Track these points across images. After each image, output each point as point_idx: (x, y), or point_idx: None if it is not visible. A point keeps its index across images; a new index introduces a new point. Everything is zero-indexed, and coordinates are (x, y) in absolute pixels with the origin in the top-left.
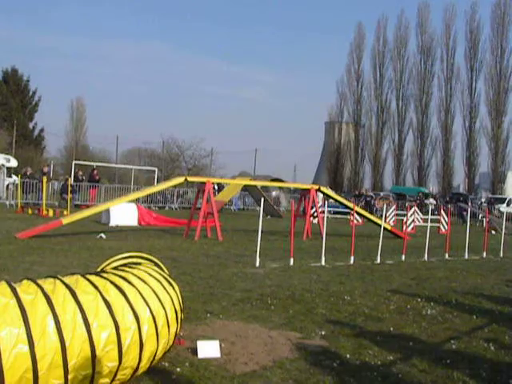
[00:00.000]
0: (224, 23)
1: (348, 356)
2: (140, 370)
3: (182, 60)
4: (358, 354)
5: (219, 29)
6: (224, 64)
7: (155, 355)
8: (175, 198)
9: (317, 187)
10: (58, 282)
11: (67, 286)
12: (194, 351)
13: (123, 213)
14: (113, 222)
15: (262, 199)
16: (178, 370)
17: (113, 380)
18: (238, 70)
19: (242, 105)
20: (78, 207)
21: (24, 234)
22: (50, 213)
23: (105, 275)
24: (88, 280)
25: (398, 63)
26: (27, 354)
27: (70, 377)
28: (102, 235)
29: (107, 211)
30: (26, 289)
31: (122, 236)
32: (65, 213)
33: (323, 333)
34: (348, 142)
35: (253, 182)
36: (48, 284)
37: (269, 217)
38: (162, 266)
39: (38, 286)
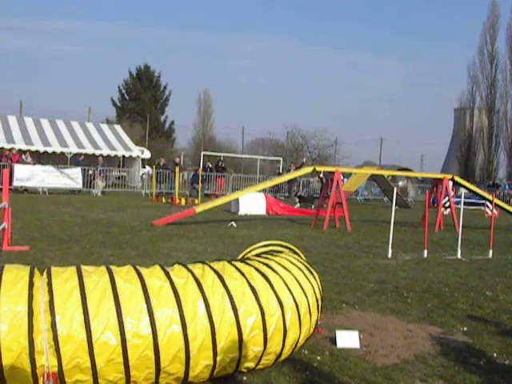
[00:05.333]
0: (347, 15)
1: (495, 355)
2: (282, 356)
3: (305, 52)
4: (507, 354)
5: (339, 21)
6: (344, 54)
7: (297, 342)
8: (301, 187)
9: (450, 177)
10: (206, 267)
11: (215, 271)
12: (333, 341)
13: (252, 202)
14: (242, 211)
15: (395, 189)
16: (318, 358)
17: (257, 364)
18: (361, 59)
19: (366, 94)
20: (207, 196)
21: (160, 222)
22: (183, 201)
23: (249, 262)
24: (234, 266)
25: None
26: (180, 335)
27: (218, 359)
28: (233, 224)
29: (236, 200)
30: (178, 273)
31: (251, 225)
32: (196, 202)
33: (465, 329)
34: (480, 129)
35: (380, 172)
36: (197, 269)
37: (396, 207)
38: (300, 254)
39: (189, 270)
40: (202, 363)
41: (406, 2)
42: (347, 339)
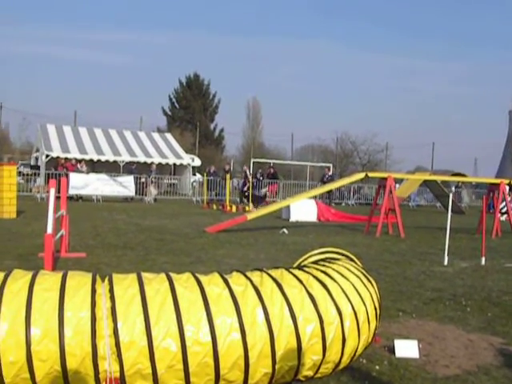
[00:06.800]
0: (393, 19)
1: None
2: (341, 365)
3: (354, 56)
4: None
5: (386, 25)
6: (393, 57)
7: (356, 351)
8: (351, 193)
9: (507, 181)
10: (264, 274)
11: (274, 278)
12: (391, 350)
13: (303, 209)
14: (293, 218)
15: (451, 195)
16: (377, 367)
17: (315, 373)
18: (411, 63)
19: (416, 97)
20: (257, 203)
21: (212, 229)
22: (233, 208)
23: (307, 269)
24: (292, 274)
25: None
26: (239, 342)
27: (277, 367)
28: (285, 230)
29: (287, 207)
30: (237, 280)
31: (302, 232)
32: (246, 208)
33: None
34: None
35: (433, 177)
36: (256, 276)
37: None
38: (357, 261)
39: (247, 278)
40: (261, 371)
41: (452, 5)
42: (406, 348)
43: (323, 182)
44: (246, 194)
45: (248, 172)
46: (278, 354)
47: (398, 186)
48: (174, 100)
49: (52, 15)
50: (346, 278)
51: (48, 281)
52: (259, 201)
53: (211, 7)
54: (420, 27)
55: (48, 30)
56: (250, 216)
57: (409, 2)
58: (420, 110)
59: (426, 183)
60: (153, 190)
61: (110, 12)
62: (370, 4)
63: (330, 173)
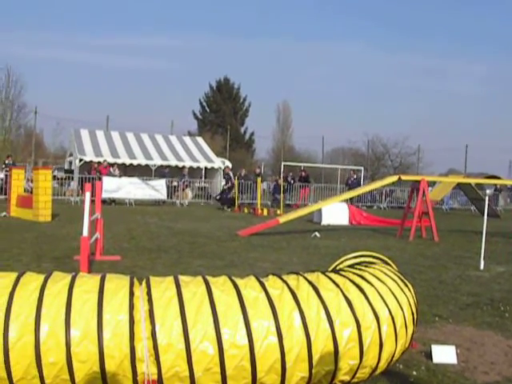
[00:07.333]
0: (411, 20)
1: None
2: (378, 370)
3: (384, 58)
4: None
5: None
6: (424, 59)
7: (393, 356)
8: (383, 197)
9: None
10: (301, 278)
11: (310, 282)
12: (428, 355)
13: (334, 212)
14: (324, 221)
15: (487, 198)
16: (414, 373)
17: (352, 378)
18: (442, 64)
19: (448, 99)
20: (289, 206)
21: (245, 232)
22: (265, 212)
23: (343, 273)
24: (328, 277)
25: None
26: (276, 346)
27: (313, 371)
28: (317, 234)
29: (319, 210)
30: (273, 284)
31: (335, 235)
32: (278, 212)
33: None
34: None
35: (467, 180)
36: (292, 280)
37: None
38: (393, 265)
39: (284, 281)
40: (297, 375)
41: (477, 7)
42: (443, 354)
43: (348, 185)
44: (226, 196)
45: (231, 174)
46: (315, 358)
47: (430, 188)
48: (204, 104)
49: (85, 21)
50: (382, 282)
51: (87, 283)
52: (226, 202)
53: (241, 11)
54: (452, 27)
55: (84, 36)
56: (282, 219)
57: (440, 3)
58: (453, 111)
59: (459, 186)
60: (189, 193)
61: (144, 18)
62: (397, 6)
63: (355, 176)
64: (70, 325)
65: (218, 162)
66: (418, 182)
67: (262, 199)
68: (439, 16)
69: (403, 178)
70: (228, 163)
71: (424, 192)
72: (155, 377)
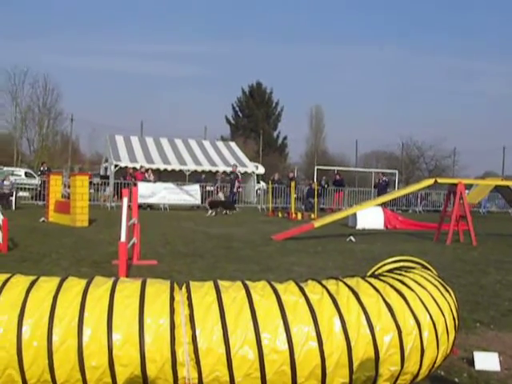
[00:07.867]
0: (444, 22)
1: None
2: (419, 377)
3: (418, 61)
4: None
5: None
6: (459, 61)
7: (434, 363)
8: (419, 200)
9: None
10: (340, 283)
11: (350, 287)
12: (470, 362)
13: (370, 216)
14: (359, 225)
15: None
16: (456, 380)
17: None
18: (477, 66)
19: (485, 101)
20: (323, 210)
21: (280, 236)
22: (299, 216)
23: (383, 278)
24: (368, 282)
25: None
26: (316, 351)
27: (354, 377)
28: (352, 238)
29: (354, 214)
30: (313, 289)
31: (370, 239)
32: (312, 216)
33: None
34: None
35: (505, 182)
36: (331, 285)
37: None
38: (433, 270)
39: (323, 286)
40: (337, 380)
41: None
42: (486, 361)
43: (376, 188)
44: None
45: (239, 174)
46: (356, 363)
47: (467, 191)
48: (237, 109)
49: (121, 28)
50: (423, 287)
51: (128, 288)
52: (230, 205)
53: (273, 15)
54: (480, 29)
55: (119, 43)
56: (317, 224)
57: (469, 5)
58: (488, 113)
59: (497, 189)
60: (222, 198)
61: (179, 25)
62: (430, 8)
63: (384, 178)
64: (112, 329)
65: (251, 167)
66: (455, 185)
67: (296, 203)
68: (474, 18)
69: (439, 181)
70: (261, 168)
71: (461, 195)
72: (196, 381)
